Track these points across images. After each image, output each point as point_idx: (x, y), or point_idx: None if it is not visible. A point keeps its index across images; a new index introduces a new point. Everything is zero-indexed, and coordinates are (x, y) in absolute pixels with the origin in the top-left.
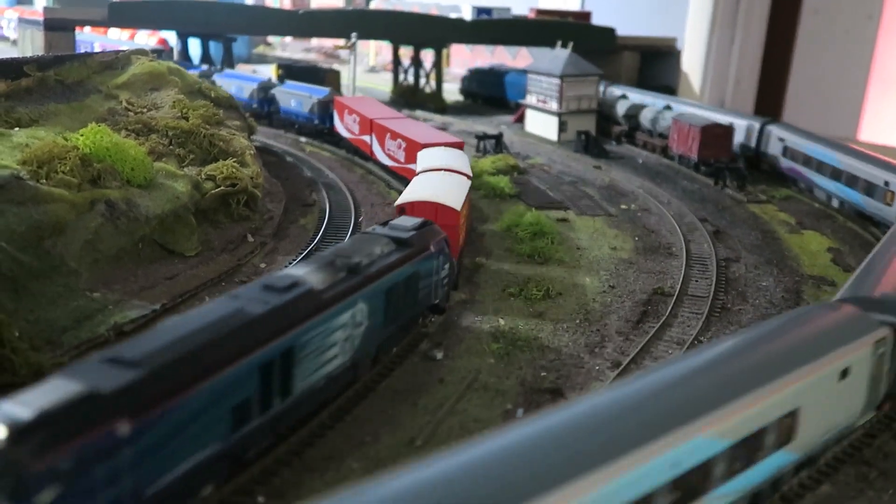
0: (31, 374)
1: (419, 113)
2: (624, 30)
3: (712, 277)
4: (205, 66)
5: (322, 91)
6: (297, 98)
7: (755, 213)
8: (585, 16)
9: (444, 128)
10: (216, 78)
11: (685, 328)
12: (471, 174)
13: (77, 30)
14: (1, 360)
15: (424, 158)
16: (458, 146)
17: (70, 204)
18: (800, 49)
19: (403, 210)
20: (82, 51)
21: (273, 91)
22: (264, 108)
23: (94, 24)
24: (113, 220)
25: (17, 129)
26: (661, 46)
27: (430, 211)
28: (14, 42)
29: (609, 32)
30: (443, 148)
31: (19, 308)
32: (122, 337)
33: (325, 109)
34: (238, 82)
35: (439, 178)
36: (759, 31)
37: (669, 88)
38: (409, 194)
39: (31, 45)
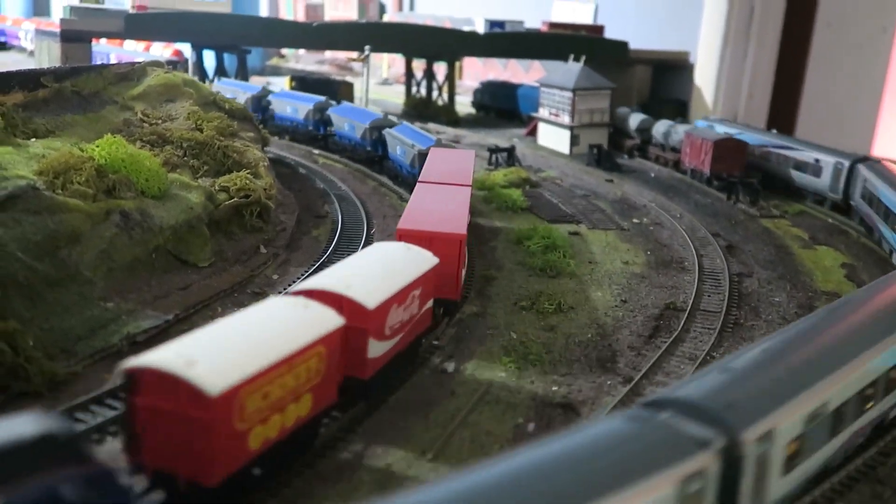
0: (45, 383)
1: (431, 126)
2: (637, 43)
3: (725, 292)
4: (321, 97)
5: (428, 140)
6: (402, 145)
7: (768, 228)
8: (598, 29)
9: (457, 141)
10: (332, 112)
11: (697, 343)
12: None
13: (93, 41)
14: (15, 369)
15: (355, 260)
16: (452, 243)
17: (85, 214)
18: (813, 62)
19: (130, 380)
20: (98, 62)
21: (385, 133)
22: (378, 151)
23: (110, 35)
24: (127, 231)
25: (33, 139)
26: (674, 60)
27: (170, 391)
28: (31, 53)
29: (622, 46)
30: (408, 248)
31: (34, 316)
32: (135, 347)
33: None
34: (350, 119)
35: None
36: (773, 45)
37: (682, 102)
38: (152, 355)
39: (48, 57)
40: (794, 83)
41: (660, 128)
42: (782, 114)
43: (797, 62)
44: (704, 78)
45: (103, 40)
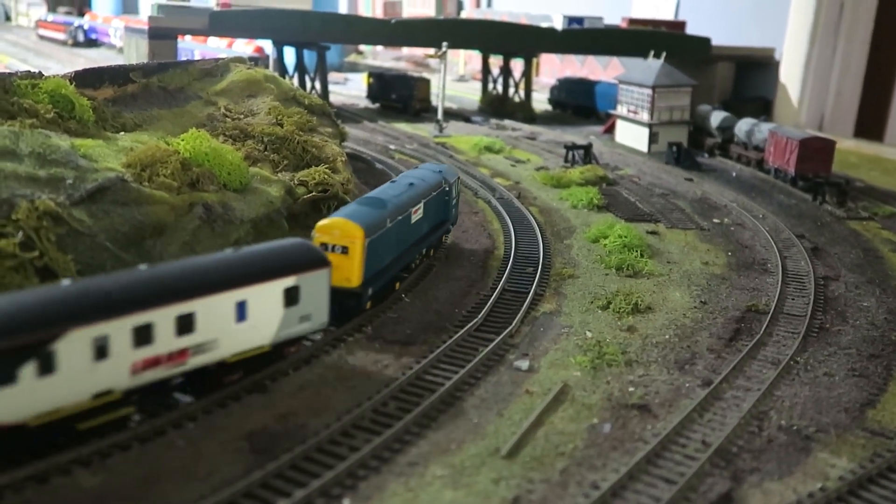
0: None
1: (507, 122)
2: (720, 39)
3: (810, 296)
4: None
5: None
6: None
7: (856, 231)
8: (680, 25)
9: (532, 137)
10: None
11: (780, 347)
12: None
13: (179, 38)
14: None
15: None
16: None
17: (170, 206)
18: None
19: None
20: (184, 58)
21: None
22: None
23: (195, 32)
24: (209, 223)
25: (122, 132)
26: (759, 57)
27: None
28: (120, 49)
29: (704, 42)
30: None
31: None
32: None
33: None
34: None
35: None
36: (864, 41)
37: (766, 100)
38: None
39: (136, 53)
40: (886, 81)
41: (742, 126)
42: (872, 113)
43: (889, 60)
44: (790, 75)
45: (188, 37)
